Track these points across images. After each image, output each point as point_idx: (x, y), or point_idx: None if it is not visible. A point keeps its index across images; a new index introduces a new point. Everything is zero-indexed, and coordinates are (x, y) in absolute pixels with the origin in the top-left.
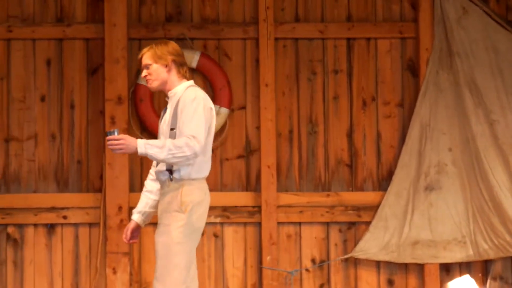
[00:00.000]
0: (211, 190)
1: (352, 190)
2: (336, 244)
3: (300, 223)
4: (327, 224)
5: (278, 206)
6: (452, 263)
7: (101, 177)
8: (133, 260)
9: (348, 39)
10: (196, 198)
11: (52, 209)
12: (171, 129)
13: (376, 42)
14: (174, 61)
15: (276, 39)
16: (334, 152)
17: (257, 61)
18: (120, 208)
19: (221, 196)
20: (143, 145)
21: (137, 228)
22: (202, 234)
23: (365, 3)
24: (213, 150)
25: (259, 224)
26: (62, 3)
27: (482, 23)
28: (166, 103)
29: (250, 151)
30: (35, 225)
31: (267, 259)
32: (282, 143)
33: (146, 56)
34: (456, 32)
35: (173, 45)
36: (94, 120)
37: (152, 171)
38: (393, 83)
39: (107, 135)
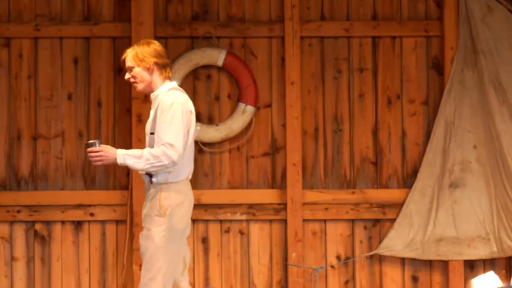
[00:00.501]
0: (237, 187)
1: (377, 188)
2: (361, 241)
3: (325, 220)
4: (352, 221)
5: (304, 204)
6: (476, 259)
7: (128, 175)
8: None
9: (374, 38)
10: (174, 201)
11: (79, 206)
12: (151, 133)
13: (401, 41)
14: (156, 63)
15: (302, 37)
16: (359, 149)
17: (283, 59)
18: None
19: (247, 194)
20: (122, 156)
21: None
22: (228, 231)
23: (391, 1)
24: (239, 148)
25: (284, 221)
26: (89, 2)
27: (506, 22)
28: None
29: (275, 149)
30: (63, 222)
31: (292, 256)
32: (308, 141)
33: (129, 59)
34: (481, 31)
35: (155, 46)
36: (120, 118)
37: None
38: (418, 81)
39: (87, 147)
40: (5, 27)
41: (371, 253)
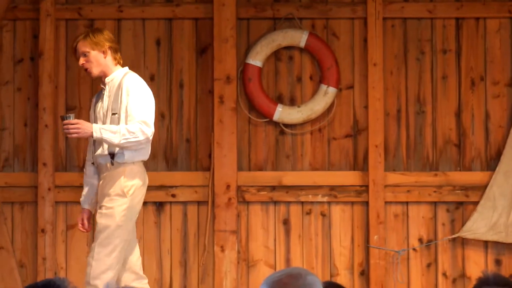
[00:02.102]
0: (318, 169)
1: (460, 170)
2: (443, 224)
3: (407, 203)
4: (435, 203)
5: (386, 186)
6: None
7: (210, 156)
8: (241, 238)
9: (457, 19)
10: (137, 181)
11: (161, 187)
12: (113, 114)
13: (485, 22)
14: (110, 47)
15: (385, 18)
16: (442, 131)
17: (365, 40)
18: (228, 186)
19: (329, 176)
20: (99, 129)
21: (90, 216)
22: (309, 213)
23: None
24: (321, 129)
25: (366, 203)
26: None
27: None
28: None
29: (357, 131)
30: (145, 203)
31: (374, 238)
32: (390, 122)
33: (83, 44)
34: None
35: (107, 32)
36: (202, 99)
37: (88, 156)
38: (502, 63)
39: (63, 119)
40: (89, 8)
41: (453, 236)
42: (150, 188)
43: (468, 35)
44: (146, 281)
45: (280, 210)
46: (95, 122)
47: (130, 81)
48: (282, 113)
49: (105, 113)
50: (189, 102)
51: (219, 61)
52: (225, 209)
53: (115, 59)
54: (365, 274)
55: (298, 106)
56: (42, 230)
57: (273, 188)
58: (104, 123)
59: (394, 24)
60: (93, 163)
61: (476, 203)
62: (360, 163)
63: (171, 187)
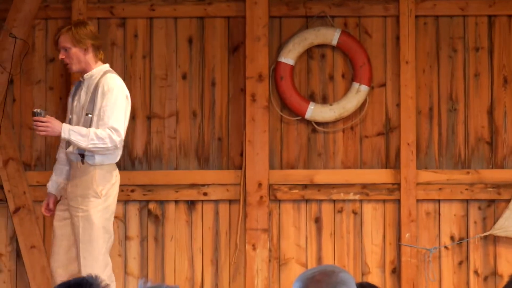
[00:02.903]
0: (350, 167)
1: (492, 168)
2: (475, 222)
3: (439, 201)
4: (467, 201)
5: (418, 184)
6: None
7: (241, 154)
8: (272, 236)
9: (489, 16)
10: (109, 181)
11: (193, 186)
12: (87, 114)
13: None
14: (92, 45)
15: (417, 16)
16: (474, 129)
17: (398, 38)
18: (260, 185)
19: (361, 173)
20: (67, 131)
21: (55, 201)
22: (341, 211)
23: None
24: (353, 127)
25: (398, 201)
26: None
27: None
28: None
29: (389, 129)
30: (176, 201)
31: (406, 236)
32: (422, 120)
33: (65, 39)
34: None
35: (91, 28)
36: (234, 98)
37: (63, 144)
38: None
39: (34, 115)
40: (121, 7)
41: (485, 234)
42: (182, 186)
43: (501, 32)
44: None
45: (311, 208)
46: (71, 113)
47: (108, 83)
48: (314, 111)
49: (80, 109)
50: (221, 101)
51: (251, 60)
52: (256, 207)
53: (96, 56)
54: (396, 272)
55: (330, 104)
56: None
57: (305, 186)
58: (80, 119)
59: (426, 22)
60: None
61: (508, 201)
62: (392, 161)
63: (203, 185)
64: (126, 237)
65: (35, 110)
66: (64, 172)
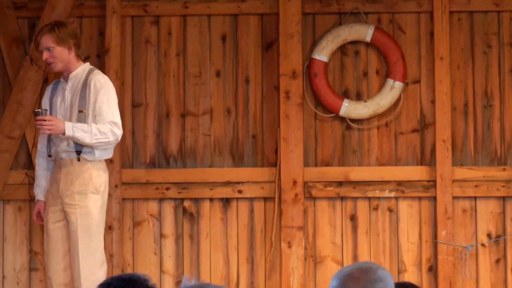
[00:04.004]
0: (385, 164)
1: None
2: None
3: (475, 198)
4: (503, 198)
5: (453, 180)
6: None
7: (276, 152)
8: (308, 234)
9: None
10: (105, 178)
11: (228, 183)
12: (80, 111)
13: None
14: (74, 44)
15: (451, 12)
16: (510, 125)
17: (432, 34)
18: (294, 182)
19: (396, 171)
20: (71, 128)
21: (44, 208)
22: (376, 209)
23: None
24: (387, 124)
25: (434, 198)
26: None
27: None
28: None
29: (424, 125)
30: (211, 199)
31: (442, 233)
32: (457, 116)
33: (48, 39)
34: None
35: (72, 27)
36: (268, 95)
37: (42, 148)
38: None
39: (36, 115)
40: (154, 5)
41: None
42: (216, 184)
43: None
44: None
45: (347, 205)
46: (55, 113)
47: (99, 79)
48: (349, 108)
49: (67, 108)
50: (255, 98)
51: (285, 57)
52: (292, 205)
53: (77, 55)
54: (433, 270)
55: (365, 101)
56: (110, 227)
57: (340, 183)
58: (66, 118)
59: (461, 17)
60: (49, 156)
61: None
62: (427, 158)
63: (238, 183)
64: (162, 235)
65: (36, 110)
66: (47, 177)
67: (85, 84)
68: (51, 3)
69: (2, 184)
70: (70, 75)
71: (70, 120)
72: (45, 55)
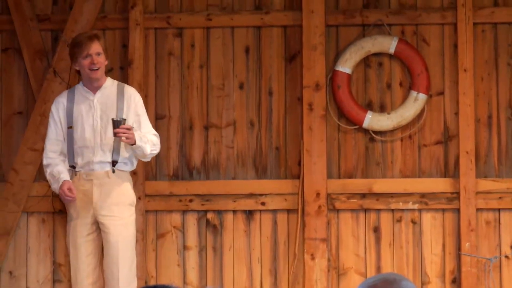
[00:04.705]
0: (408, 176)
1: None
2: None
3: (499, 210)
4: None
5: (477, 192)
6: None
7: (299, 164)
8: (331, 246)
9: None
10: (133, 189)
11: (251, 195)
12: (117, 121)
13: None
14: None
15: (475, 23)
16: None
17: (455, 46)
18: (318, 194)
19: (419, 183)
20: (139, 138)
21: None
22: (400, 221)
23: None
24: (411, 136)
25: (457, 210)
26: None
27: None
28: None
29: (448, 137)
30: (234, 211)
31: (466, 245)
32: (481, 128)
33: (99, 45)
34: None
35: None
36: (292, 107)
37: (52, 155)
38: None
39: (118, 124)
40: (177, 17)
41: None
42: (239, 196)
43: None
44: None
45: (370, 217)
46: (76, 126)
47: (135, 92)
48: (372, 120)
49: (97, 118)
50: (278, 110)
51: (308, 69)
52: (315, 217)
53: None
54: (456, 282)
55: (388, 113)
56: None
57: (363, 195)
58: (97, 128)
59: (485, 29)
60: (72, 167)
61: None
62: (451, 170)
63: (261, 195)
64: (185, 247)
65: (117, 119)
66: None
67: (121, 95)
68: (74, 16)
69: (25, 196)
70: (102, 85)
71: (104, 129)
72: (96, 59)
